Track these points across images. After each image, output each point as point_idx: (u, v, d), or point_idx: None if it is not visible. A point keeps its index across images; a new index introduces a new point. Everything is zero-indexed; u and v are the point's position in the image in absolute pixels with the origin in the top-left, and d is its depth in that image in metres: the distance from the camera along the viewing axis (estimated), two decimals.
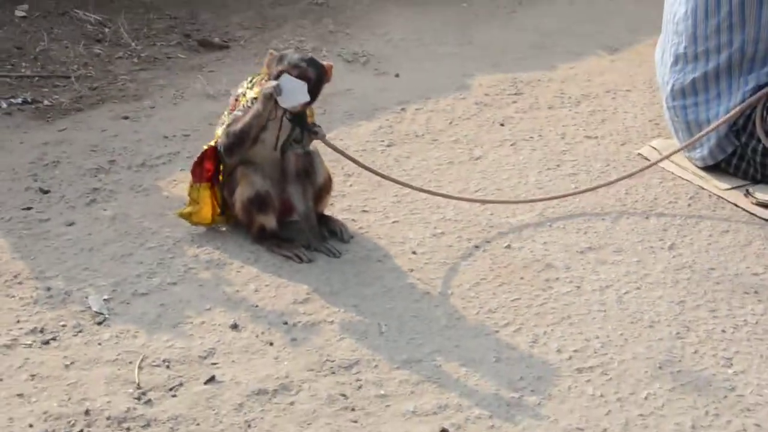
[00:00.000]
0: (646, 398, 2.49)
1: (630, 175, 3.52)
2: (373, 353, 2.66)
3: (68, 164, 3.66)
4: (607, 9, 5.36)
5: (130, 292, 2.91)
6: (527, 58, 4.73)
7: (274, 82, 2.98)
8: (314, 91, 3.04)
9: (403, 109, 4.17)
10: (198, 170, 3.19)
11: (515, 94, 4.32)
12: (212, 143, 3.18)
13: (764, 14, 3.38)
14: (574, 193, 3.45)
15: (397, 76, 4.52)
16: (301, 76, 2.99)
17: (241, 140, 3.05)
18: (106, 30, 4.97)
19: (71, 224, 3.26)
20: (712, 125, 3.45)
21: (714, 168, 3.56)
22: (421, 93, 4.31)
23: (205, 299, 2.90)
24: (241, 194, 3.13)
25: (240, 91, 3.18)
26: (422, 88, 4.36)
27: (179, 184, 3.51)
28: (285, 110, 3.05)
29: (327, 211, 3.31)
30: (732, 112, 3.40)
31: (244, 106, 3.09)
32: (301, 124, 3.11)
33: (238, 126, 3.05)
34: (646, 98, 4.20)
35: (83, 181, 3.54)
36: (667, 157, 3.58)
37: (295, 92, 2.98)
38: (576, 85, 4.39)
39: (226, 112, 3.21)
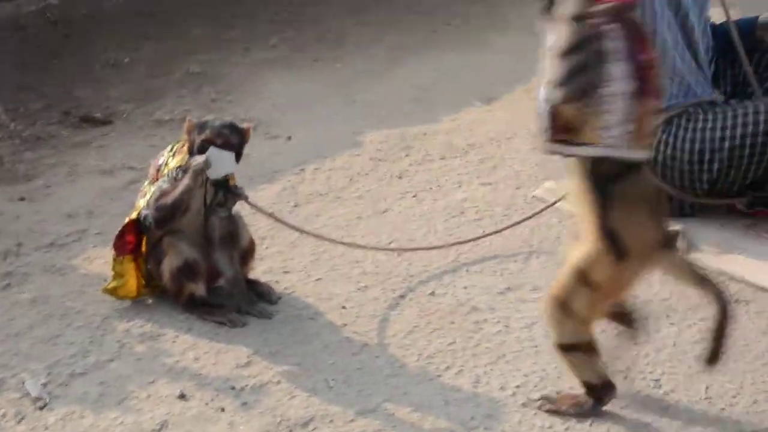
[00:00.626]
0: (591, 425, 2.65)
1: (532, 216, 3.71)
2: (326, 408, 2.72)
3: None
4: (477, 62, 5.61)
5: (67, 373, 2.88)
6: (410, 112, 4.91)
7: (202, 157, 3.03)
8: (238, 157, 3.11)
9: (302, 170, 4.26)
10: (119, 243, 3.19)
11: (406, 147, 4.47)
12: (133, 216, 3.18)
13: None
14: (485, 236, 3.61)
15: (289, 138, 4.60)
16: (226, 145, 3.06)
17: (172, 213, 3.08)
18: None
19: None
20: None
21: None
22: (317, 153, 4.41)
23: (146, 372, 2.89)
24: (170, 264, 3.14)
25: (161, 160, 3.21)
26: (316, 148, 4.47)
27: (94, 260, 3.49)
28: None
29: (250, 275, 3.35)
30: None
31: (168, 176, 3.12)
32: (225, 187, 3.17)
33: (169, 200, 3.07)
34: (527, 144, 4.43)
35: None
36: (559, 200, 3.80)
37: (223, 162, 3.05)
38: (461, 136, 4.58)
39: (146, 183, 3.23)
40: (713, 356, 2.50)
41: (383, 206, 3.93)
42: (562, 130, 2.38)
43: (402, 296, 3.30)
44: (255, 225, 3.73)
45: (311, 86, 5.30)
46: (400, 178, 4.19)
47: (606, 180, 2.40)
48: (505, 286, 3.34)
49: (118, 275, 3.19)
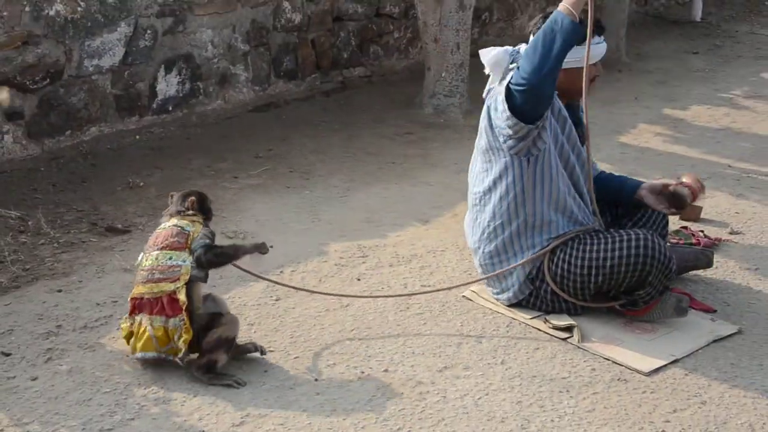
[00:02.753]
0: None
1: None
2: None
3: (21, 331, 3.56)
4: (414, 192, 5.77)
5: (97, 428, 2.87)
6: (364, 229, 5.01)
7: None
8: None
9: (281, 271, 4.32)
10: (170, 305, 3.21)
11: (362, 256, 4.57)
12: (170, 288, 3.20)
13: (537, 196, 3.77)
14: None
15: (271, 246, 4.63)
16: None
17: (226, 261, 3.33)
18: (27, 223, 4.86)
19: (35, 379, 3.17)
20: (512, 265, 3.81)
21: (517, 305, 3.89)
22: (292, 258, 4.49)
23: (161, 430, 2.89)
24: (224, 333, 3.22)
25: (189, 229, 3.29)
26: (292, 254, 4.54)
27: (118, 339, 3.49)
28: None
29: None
30: (522, 261, 3.78)
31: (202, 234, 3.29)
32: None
33: (229, 249, 3.36)
34: (457, 255, 4.56)
35: (37, 343, 3.46)
36: (474, 282, 3.95)
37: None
38: (405, 248, 4.70)
39: (144, 255, 3.33)
40: None
41: (346, 302, 4.00)
42: None
43: (363, 372, 3.35)
44: (245, 314, 3.80)
45: (286, 207, 5.39)
46: (358, 280, 4.28)
47: None
48: (443, 365, 3.41)
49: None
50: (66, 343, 3.47)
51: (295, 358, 3.44)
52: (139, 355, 3.19)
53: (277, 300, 4.01)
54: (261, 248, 3.46)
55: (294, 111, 7.92)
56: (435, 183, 5.97)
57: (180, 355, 3.20)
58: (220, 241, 3.50)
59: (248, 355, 3.37)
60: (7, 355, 3.32)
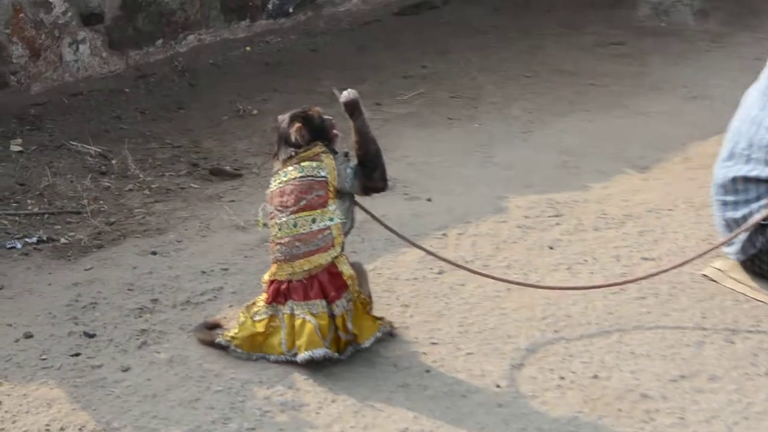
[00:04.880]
0: None
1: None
2: None
3: (107, 305, 3.65)
4: (627, 127, 5.56)
5: None
6: (556, 178, 4.87)
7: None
8: None
9: (444, 235, 4.25)
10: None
11: (555, 215, 4.43)
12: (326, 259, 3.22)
13: None
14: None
15: (429, 200, 4.61)
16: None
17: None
18: (111, 162, 5.01)
19: (127, 369, 3.24)
20: (748, 222, 3.66)
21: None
22: (459, 217, 4.41)
23: None
24: (364, 292, 3.36)
25: (323, 172, 3.27)
26: (458, 212, 4.46)
27: (231, 320, 3.50)
28: None
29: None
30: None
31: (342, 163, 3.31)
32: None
33: (372, 146, 3.37)
34: (691, 217, 4.33)
35: (128, 322, 3.54)
36: (706, 253, 3.80)
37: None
38: (615, 206, 4.51)
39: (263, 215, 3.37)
40: None
41: (534, 278, 3.88)
42: None
43: (562, 377, 3.23)
44: (397, 291, 3.75)
45: (448, 146, 5.32)
46: (551, 248, 4.14)
47: None
48: (678, 373, 3.24)
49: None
50: (164, 323, 3.53)
51: (467, 354, 3.36)
52: (305, 355, 3.17)
53: (439, 273, 3.93)
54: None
55: (454, 13, 7.83)
56: (656, 113, 5.72)
57: (361, 343, 3.26)
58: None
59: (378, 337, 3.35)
60: (91, 336, 3.42)
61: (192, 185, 4.85)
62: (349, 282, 3.23)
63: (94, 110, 5.78)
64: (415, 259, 4.00)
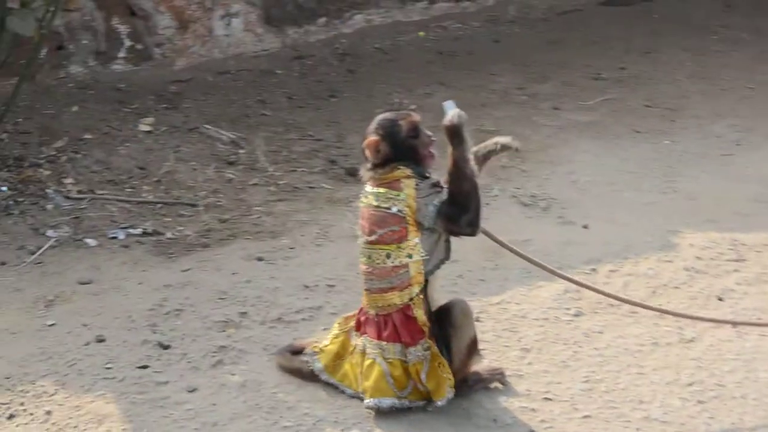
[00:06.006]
0: None
1: None
2: None
3: (192, 314, 3.67)
4: None
5: None
6: (749, 215, 4.58)
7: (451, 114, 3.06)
8: None
9: (593, 270, 4.07)
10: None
11: (736, 260, 4.16)
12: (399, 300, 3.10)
13: None
14: None
15: (585, 227, 4.43)
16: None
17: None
18: (240, 151, 5.07)
19: (193, 390, 3.23)
20: None
21: None
22: (616, 251, 4.21)
23: None
24: (466, 334, 3.15)
25: (399, 206, 3.09)
26: (617, 244, 4.26)
27: (323, 346, 3.44)
28: None
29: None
30: None
31: (425, 192, 3.07)
32: None
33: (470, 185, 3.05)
34: None
35: (209, 336, 3.54)
36: None
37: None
38: None
39: (363, 241, 3.17)
40: None
41: (690, 334, 3.64)
42: None
43: None
44: (520, 332, 3.60)
45: (625, 163, 5.10)
46: (720, 300, 3.88)
47: None
48: None
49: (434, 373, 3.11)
50: (247, 340, 3.51)
51: (584, 417, 3.16)
52: (371, 402, 3.10)
53: (576, 316, 3.75)
54: (504, 147, 3.26)
55: (673, 6, 7.53)
56: None
57: (436, 401, 3.10)
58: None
59: (483, 385, 3.25)
60: (165, 347, 3.44)
61: (323, 185, 4.84)
62: (425, 329, 3.10)
63: (238, 92, 5.86)
64: (551, 297, 3.84)
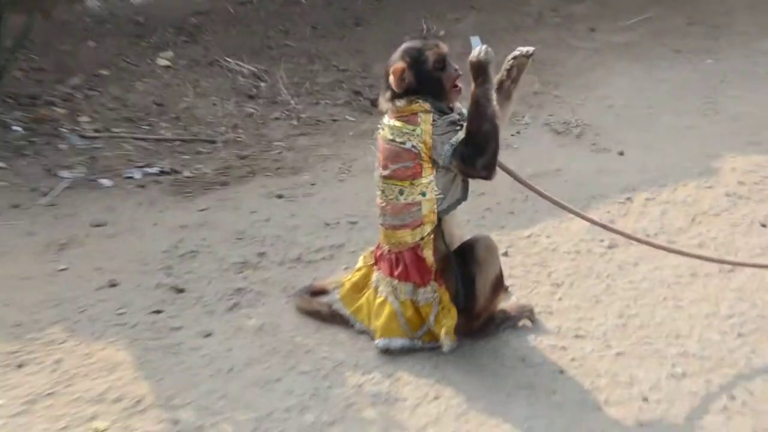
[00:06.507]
0: None
1: None
2: None
3: (209, 255, 3.60)
4: None
5: (276, 431, 2.76)
6: None
7: (478, 50, 2.92)
8: None
9: (629, 199, 3.94)
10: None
11: None
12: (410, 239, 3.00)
13: None
14: None
15: (621, 154, 4.30)
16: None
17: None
18: (262, 84, 4.96)
19: (208, 335, 3.16)
20: None
21: None
22: (653, 178, 4.08)
23: None
24: (490, 272, 3.03)
25: (413, 142, 2.95)
26: (654, 171, 4.13)
27: (345, 278, 3.36)
28: None
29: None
30: None
31: (444, 126, 2.93)
32: None
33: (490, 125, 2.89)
34: None
35: (225, 277, 3.46)
36: None
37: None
38: None
39: (379, 174, 3.04)
40: None
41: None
42: None
43: (733, 397, 2.88)
44: (551, 266, 3.50)
45: (662, 86, 4.95)
46: (764, 226, 3.75)
47: None
48: None
49: (446, 310, 3.02)
50: (264, 282, 3.43)
51: (617, 354, 3.06)
52: (379, 343, 3.05)
53: (609, 247, 3.63)
54: (523, 63, 3.08)
55: None
56: None
57: (446, 344, 3.02)
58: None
59: (510, 324, 3.18)
60: (180, 291, 3.36)
61: (348, 117, 4.74)
62: (432, 270, 3.00)
63: (261, 23, 5.76)
64: (583, 228, 3.72)
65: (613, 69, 5.12)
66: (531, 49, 3.04)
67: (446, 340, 2.99)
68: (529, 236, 3.65)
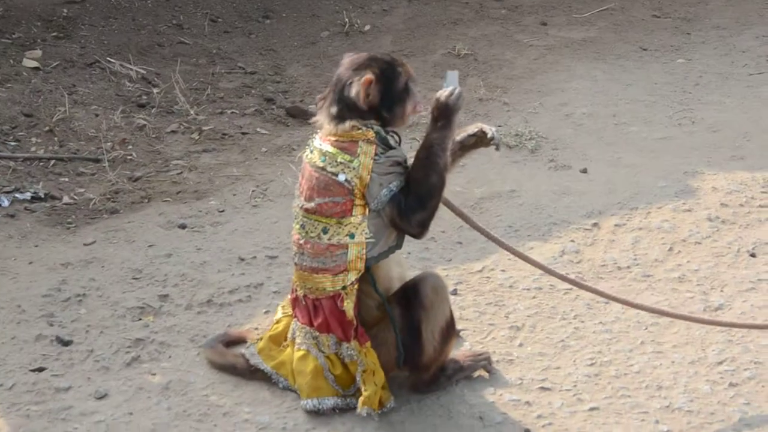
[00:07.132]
0: None
1: None
2: None
3: (99, 299, 3.61)
4: None
5: None
6: None
7: (446, 91, 2.99)
8: None
9: (595, 225, 4.06)
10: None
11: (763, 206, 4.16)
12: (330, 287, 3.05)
13: None
14: None
15: (583, 171, 4.43)
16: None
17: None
18: (154, 90, 5.01)
19: (103, 396, 3.17)
20: None
21: None
22: (622, 200, 4.21)
23: None
24: (439, 318, 3.09)
25: (348, 176, 2.99)
26: (623, 191, 4.26)
27: (263, 333, 3.40)
28: None
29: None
30: None
31: (383, 168, 2.98)
32: None
33: (434, 177, 2.97)
34: None
35: (121, 326, 3.48)
36: None
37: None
38: None
39: (298, 205, 3.08)
40: None
41: (717, 300, 3.64)
42: None
43: None
44: (509, 306, 3.60)
45: (628, 91, 5.10)
46: (752, 255, 3.88)
47: None
48: None
49: (368, 374, 3.05)
50: (169, 330, 3.46)
51: (591, 410, 3.14)
52: (307, 404, 3.08)
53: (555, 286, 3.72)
54: (482, 140, 3.18)
55: None
56: None
57: (360, 409, 3.05)
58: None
59: (464, 375, 3.24)
60: (66, 343, 3.38)
61: (259, 129, 4.81)
62: (353, 324, 3.05)
63: (148, 15, 5.80)
64: (545, 260, 3.82)
65: (570, 70, 5.27)
66: (495, 134, 3.13)
67: (363, 411, 3.01)
68: (481, 270, 3.74)
